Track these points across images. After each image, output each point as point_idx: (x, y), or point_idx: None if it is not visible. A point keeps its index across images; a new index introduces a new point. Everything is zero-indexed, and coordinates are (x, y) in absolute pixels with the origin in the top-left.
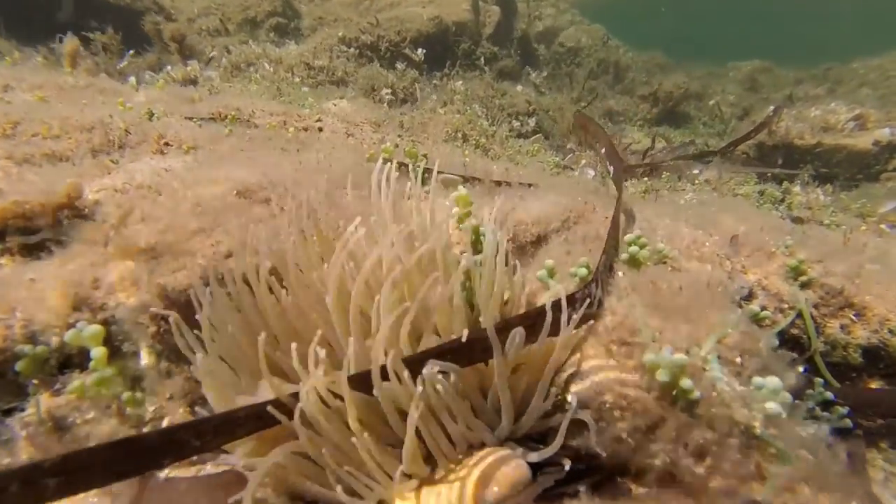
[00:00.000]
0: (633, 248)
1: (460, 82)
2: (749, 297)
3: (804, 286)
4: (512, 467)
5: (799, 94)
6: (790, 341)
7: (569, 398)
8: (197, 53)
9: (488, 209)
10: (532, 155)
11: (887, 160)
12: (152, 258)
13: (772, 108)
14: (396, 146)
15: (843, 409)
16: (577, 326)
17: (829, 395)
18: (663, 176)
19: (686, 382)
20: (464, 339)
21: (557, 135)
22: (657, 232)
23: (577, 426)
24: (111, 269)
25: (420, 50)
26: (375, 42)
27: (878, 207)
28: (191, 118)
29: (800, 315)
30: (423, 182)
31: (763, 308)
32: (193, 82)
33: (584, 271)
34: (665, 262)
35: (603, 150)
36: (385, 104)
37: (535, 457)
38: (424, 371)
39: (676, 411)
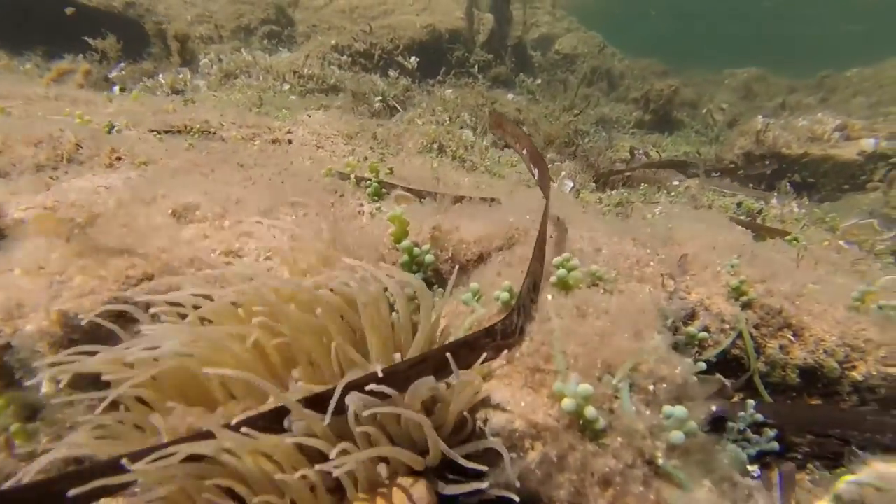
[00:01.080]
0: (562, 272)
1: (450, 90)
2: (692, 317)
3: (745, 306)
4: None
5: (791, 102)
6: (732, 361)
7: (484, 427)
8: (196, 57)
9: (427, 226)
10: (512, 165)
11: (872, 170)
12: (60, 282)
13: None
14: (366, 158)
15: (772, 432)
16: (497, 354)
17: (760, 416)
18: (641, 187)
19: (590, 412)
20: (380, 374)
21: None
22: (601, 251)
23: (496, 455)
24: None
25: (413, 58)
26: (368, 50)
27: (843, 222)
28: (154, 131)
29: (741, 335)
30: (380, 197)
31: (706, 328)
32: (179, 91)
33: (506, 295)
34: (597, 285)
35: (525, 152)
36: (367, 114)
37: (449, 489)
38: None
39: (584, 440)
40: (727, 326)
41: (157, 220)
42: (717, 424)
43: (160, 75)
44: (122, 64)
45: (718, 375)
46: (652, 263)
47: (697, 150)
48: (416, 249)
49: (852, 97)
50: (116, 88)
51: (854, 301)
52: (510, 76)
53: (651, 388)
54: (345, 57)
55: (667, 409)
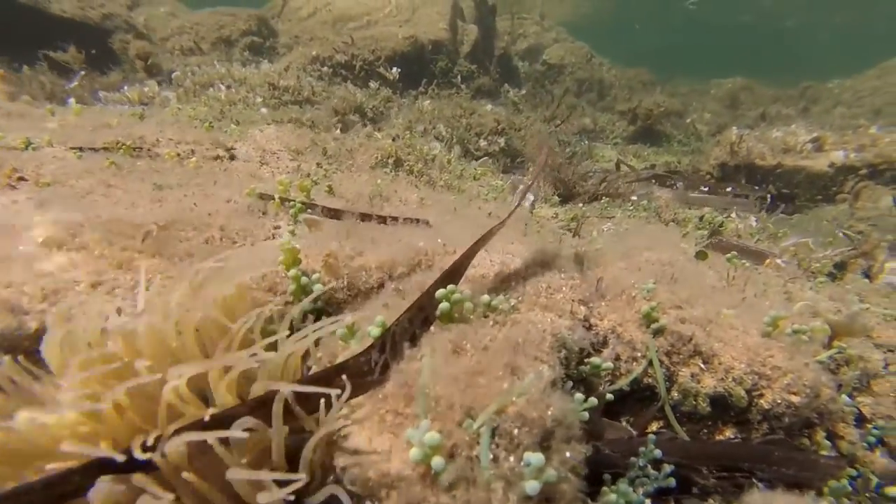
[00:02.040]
0: (444, 305)
1: (427, 102)
2: (603, 344)
3: (657, 333)
4: None
5: (772, 112)
6: (646, 389)
7: (341, 474)
8: (164, 72)
9: (317, 253)
10: (475, 179)
11: (842, 182)
12: None
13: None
14: (308, 175)
15: (669, 467)
16: (358, 393)
17: (658, 453)
18: (602, 200)
19: (436, 463)
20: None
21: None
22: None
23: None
24: None
25: (395, 69)
26: (350, 61)
27: (796, 237)
28: (76, 148)
29: (652, 364)
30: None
31: (617, 357)
32: (146, 104)
33: (377, 331)
34: (488, 316)
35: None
36: (334, 127)
37: None
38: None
39: (439, 491)
40: (639, 354)
41: (22, 249)
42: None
43: (125, 88)
44: (81, 73)
45: (624, 423)
46: (564, 289)
47: (678, 161)
48: (303, 279)
49: (833, 107)
50: (71, 100)
51: (766, 326)
52: (494, 87)
53: (516, 432)
54: (325, 68)
55: (527, 455)
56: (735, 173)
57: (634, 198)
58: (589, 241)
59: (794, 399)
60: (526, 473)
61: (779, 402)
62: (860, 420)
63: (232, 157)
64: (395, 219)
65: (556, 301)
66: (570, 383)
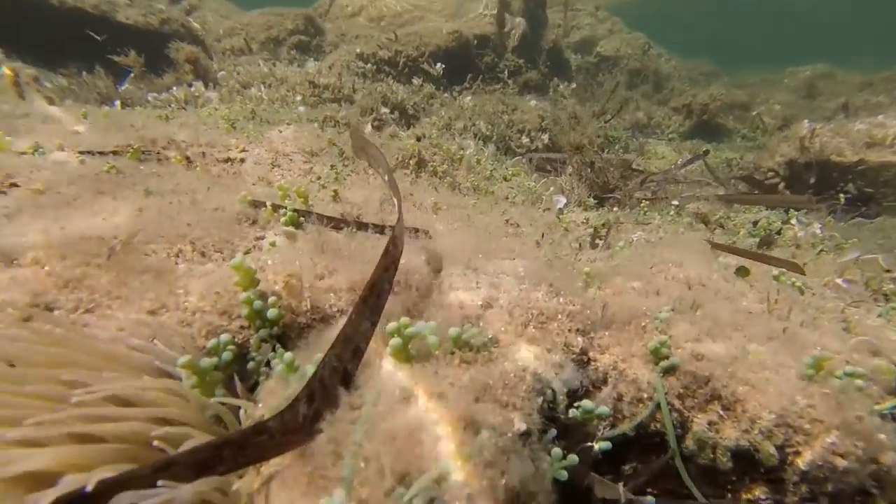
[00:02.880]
0: (396, 341)
1: (469, 98)
2: (603, 382)
3: (667, 372)
4: None
5: (858, 102)
6: (655, 435)
7: None
8: (213, 73)
9: (273, 274)
10: (506, 179)
11: None
12: None
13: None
14: (318, 178)
15: None
16: (280, 452)
17: None
18: (641, 204)
19: None
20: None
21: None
22: (499, 299)
23: None
24: None
25: (439, 64)
26: (393, 57)
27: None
28: (86, 153)
29: (660, 407)
30: (297, 226)
31: (619, 398)
32: (190, 104)
33: (310, 370)
34: (454, 353)
35: (386, 178)
36: (369, 126)
37: None
38: None
39: None
40: (645, 395)
41: None
42: None
43: (174, 89)
44: (130, 76)
45: (620, 487)
46: (560, 316)
47: (741, 157)
48: (257, 303)
49: None
50: (117, 103)
51: (808, 368)
52: (542, 81)
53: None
54: (369, 65)
55: None
56: (805, 171)
57: (676, 202)
58: (610, 253)
59: (840, 463)
60: None
61: (819, 464)
62: None
63: (242, 160)
64: (392, 228)
65: (549, 331)
66: (554, 432)
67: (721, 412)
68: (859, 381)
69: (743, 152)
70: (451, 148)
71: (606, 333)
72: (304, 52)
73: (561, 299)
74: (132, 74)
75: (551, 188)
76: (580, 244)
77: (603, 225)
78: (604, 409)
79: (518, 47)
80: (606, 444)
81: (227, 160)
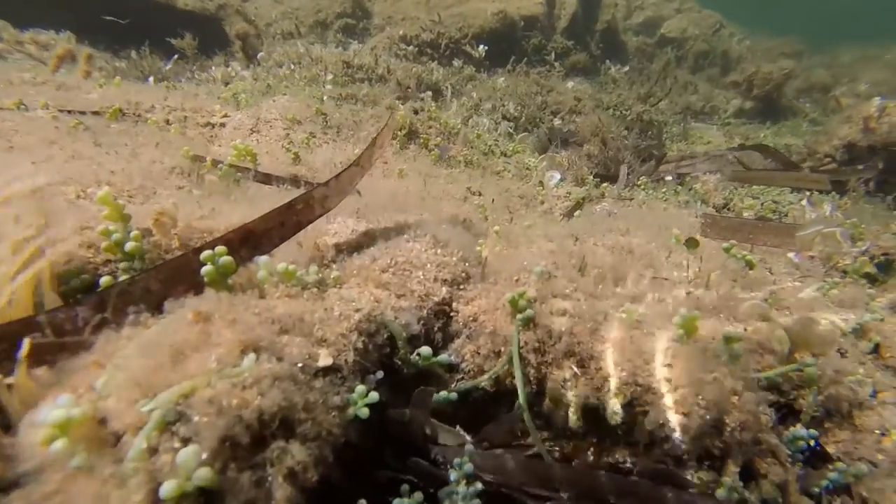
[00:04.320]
0: (207, 269)
1: (502, 79)
2: (453, 336)
3: (525, 325)
4: None
5: None
6: (511, 393)
7: None
8: (259, 53)
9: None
10: (506, 155)
11: None
12: None
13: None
14: (291, 143)
15: (477, 486)
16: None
17: (469, 467)
18: (640, 181)
19: (57, 446)
20: None
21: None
22: (366, 250)
23: None
24: None
25: (481, 46)
26: (435, 39)
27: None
28: (62, 110)
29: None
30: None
31: (477, 351)
32: (228, 83)
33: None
34: (278, 286)
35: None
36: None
37: None
38: None
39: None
40: (502, 349)
41: None
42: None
43: (213, 69)
44: (175, 57)
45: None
46: (429, 266)
47: (803, 144)
48: (115, 235)
49: None
50: (151, 80)
51: (678, 328)
52: (592, 64)
53: (196, 420)
54: (411, 47)
55: (182, 451)
56: (869, 156)
57: (669, 178)
58: (566, 222)
59: (681, 420)
60: (179, 471)
61: (661, 423)
62: (816, 459)
63: (223, 125)
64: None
65: (408, 279)
66: (380, 374)
67: (576, 369)
68: (736, 346)
69: (808, 137)
70: (451, 122)
71: (479, 286)
72: (351, 35)
73: (439, 251)
74: (176, 56)
75: (544, 163)
76: (552, 213)
77: (584, 198)
78: (443, 357)
79: (568, 28)
80: (452, 395)
81: (208, 124)
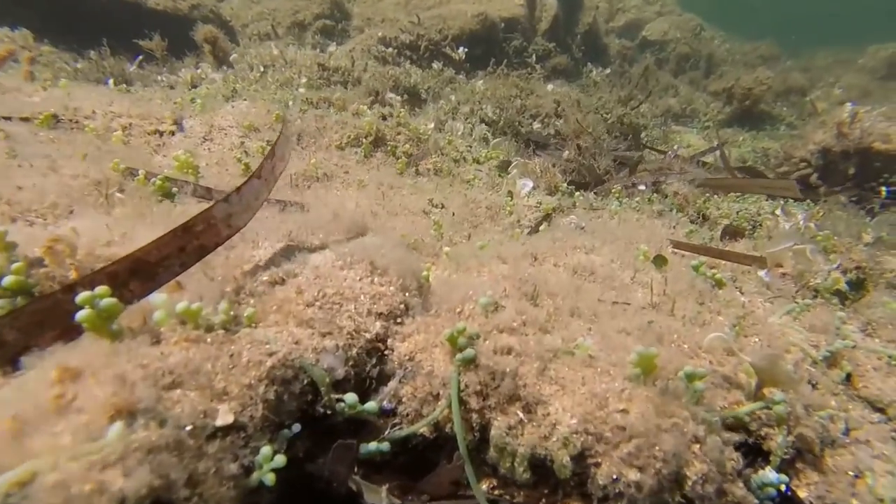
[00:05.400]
0: (84, 313)
1: (481, 82)
2: (381, 378)
3: (466, 365)
4: None
5: None
6: (454, 439)
7: None
8: (230, 55)
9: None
10: (478, 162)
11: None
12: None
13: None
14: (245, 153)
15: None
16: None
17: None
18: (613, 190)
19: None
20: None
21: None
22: (294, 278)
23: None
24: None
25: (461, 48)
26: (415, 41)
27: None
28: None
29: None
30: (170, 197)
31: (413, 395)
32: (196, 86)
33: None
34: (177, 330)
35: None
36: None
37: None
38: None
39: None
40: (441, 392)
41: None
42: None
43: (182, 71)
44: (139, 58)
45: (383, 490)
46: (363, 297)
47: (781, 147)
48: None
49: None
50: (111, 82)
51: (633, 367)
52: (573, 66)
53: None
54: (390, 49)
55: None
56: (842, 161)
57: (642, 187)
58: (527, 237)
59: (634, 476)
60: None
61: (615, 477)
62: None
63: (173, 133)
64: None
65: (336, 313)
66: (297, 427)
67: (521, 415)
68: (699, 384)
69: (786, 141)
70: (422, 128)
71: (419, 320)
72: (329, 36)
73: (376, 279)
74: (140, 57)
75: (514, 171)
76: (520, 227)
77: (554, 209)
78: (371, 405)
79: (549, 30)
80: (383, 446)
81: (156, 132)
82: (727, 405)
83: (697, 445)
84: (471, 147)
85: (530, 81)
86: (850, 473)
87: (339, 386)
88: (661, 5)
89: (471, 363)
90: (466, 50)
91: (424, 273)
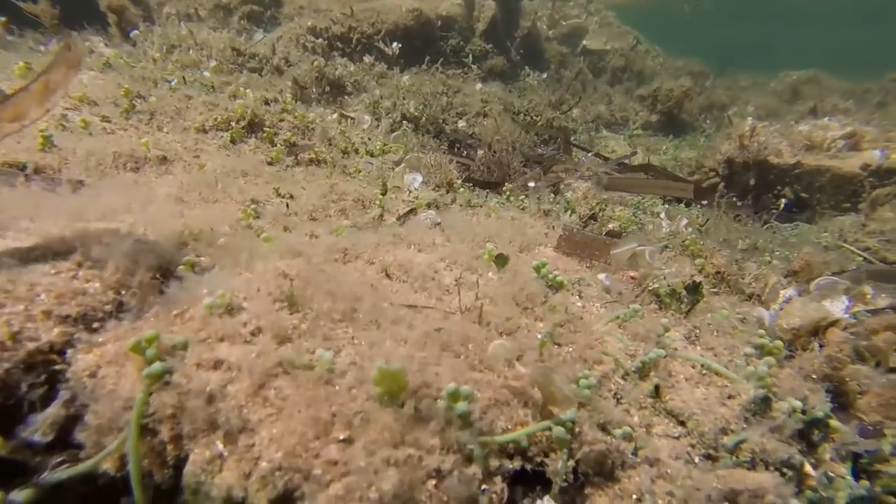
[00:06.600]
0: None
1: (406, 77)
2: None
3: (157, 383)
4: None
5: (826, 106)
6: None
7: None
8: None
9: None
10: (371, 155)
11: (875, 188)
12: None
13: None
14: (85, 124)
15: None
16: None
17: None
18: (504, 188)
19: None
20: None
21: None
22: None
23: None
24: None
25: (395, 43)
26: (346, 33)
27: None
28: None
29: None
30: None
31: (93, 420)
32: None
33: None
34: None
35: None
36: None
37: None
38: None
39: None
40: (126, 418)
41: None
42: None
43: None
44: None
45: None
46: (43, 296)
47: (695, 157)
48: None
49: None
50: None
51: (375, 385)
52: (510, 69)
53: None
54: (320, 40)
55: None
56: (744, 171)
57: (532, 184)
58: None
59: None
60: None
61: None
62: None
63: None
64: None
65: (11, 315)
66: None
67: (222, 447)
68: (461, 405)
69: (703, 151)
70: (310, 115)
71: (125, 323)
72: (257, 23)
73: (81, 272)
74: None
75: (402, 164)
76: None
77: (428, 204)
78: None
79: (487, 31)
80: (25, 493)
81: None
82: (511, 427)
83: (433, 482)
84: (369, 140)
85: (459, 80)
86: (634, 497)
87: None
88: (602, 17)
89: (160, 379)
90: (400, 45)
91: (182, 267)
